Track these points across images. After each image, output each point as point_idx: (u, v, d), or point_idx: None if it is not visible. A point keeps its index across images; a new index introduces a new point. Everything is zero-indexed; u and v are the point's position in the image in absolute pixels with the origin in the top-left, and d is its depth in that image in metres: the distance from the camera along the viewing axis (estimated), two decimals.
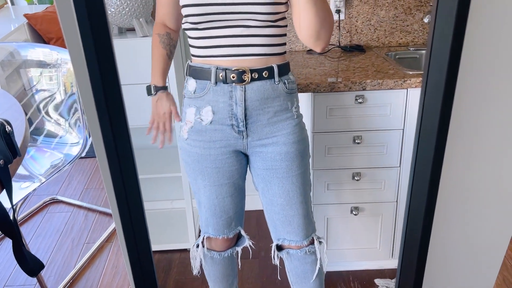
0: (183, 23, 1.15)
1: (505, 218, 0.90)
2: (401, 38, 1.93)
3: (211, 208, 1.26)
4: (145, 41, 1.65)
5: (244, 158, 1.24)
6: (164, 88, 1.27)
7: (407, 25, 1.91)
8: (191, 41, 1.14)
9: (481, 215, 0.90)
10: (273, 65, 1.12)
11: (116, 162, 0.76)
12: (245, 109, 1.13)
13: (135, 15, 1.67)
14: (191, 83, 1.16)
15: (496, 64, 0.76)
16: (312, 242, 1.30)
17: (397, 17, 1.89)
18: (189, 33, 1.14)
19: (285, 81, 1.15)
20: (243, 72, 1.10)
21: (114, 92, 0.71)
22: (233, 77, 1.10)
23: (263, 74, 1.12)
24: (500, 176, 0.86)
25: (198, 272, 1.39)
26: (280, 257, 1.33)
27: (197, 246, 1.36)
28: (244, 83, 1.11)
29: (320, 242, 1.30)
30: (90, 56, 0.68)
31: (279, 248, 1.33)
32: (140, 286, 0.97)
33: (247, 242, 1.36)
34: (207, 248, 1.36)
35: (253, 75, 1.10)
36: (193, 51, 1.15)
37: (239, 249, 1.40)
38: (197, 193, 1.27)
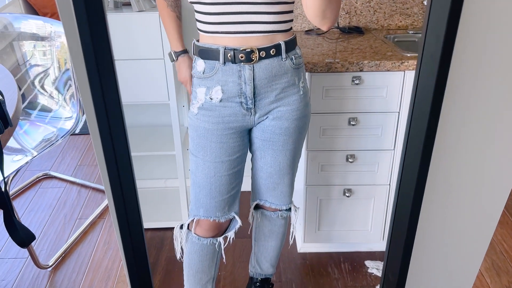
0: None
1: (492, 204, 0.91)
2: (401, 21, 1.92)
3: (206, 187, 1.24)
4: (141, 15, 1.63)
5: (247, 138, 1.25)
6: (184, 52, 1.29)
7: (407, 8, 1.89)
8: (198, 16, 1.14)
9: (468, 200, 0.91)
10: (280, 42, 1.12)
11: (109, 137, 0.76)
12: (254, 88, 1.14)
13: None
14: (200, 64, 1.16)
15: (491, 50, 0.76)
16: (288, 209, 1.39)
17: None
18: (196, 7, 1.12)
19: (292, 56, 1.16)
20: (251, 51, 1.10)
21: (107, 68, 0.70)
22: (242, 57, 1.10)
23: (271, 52, 1.12)
24: (487, 164, 0.86)
25: (181, 256, 1.34)
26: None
27: (181, 227, 1.32)
28: (252, 62, 1.11)
29: (296, 210, 1.41)
30: (83, 30, 0.67)
31: (256, 207, 1.42)
32: (131, 262, 0.97)
33: (238, 224, 1.31)
34: (193, 232, 1.30)
35: (261, 53, 1.11)
36: (199, 25, 1.15)
37: (231, 233, 1.32)
38: (194, 171, 1.25)
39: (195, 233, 1.30)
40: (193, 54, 1.19)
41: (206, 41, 1.14)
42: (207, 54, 1.14)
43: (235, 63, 1.11)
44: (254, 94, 1.15)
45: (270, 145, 1.24)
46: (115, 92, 0.76)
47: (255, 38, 1.10)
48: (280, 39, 1.13)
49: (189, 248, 1.33)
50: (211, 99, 1.16)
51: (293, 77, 1.18)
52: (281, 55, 1.13)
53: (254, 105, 1.16)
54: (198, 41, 1.17)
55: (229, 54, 1.10)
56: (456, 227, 0.94)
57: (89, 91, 0.75)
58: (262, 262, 1.52)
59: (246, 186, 1.38)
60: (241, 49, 1.10)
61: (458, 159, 0.86)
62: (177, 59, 1.29)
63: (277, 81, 1.15)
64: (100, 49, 0.73)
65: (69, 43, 0.72)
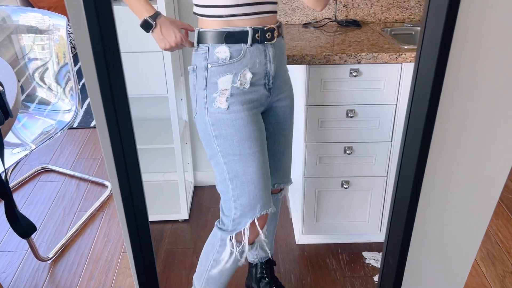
0: None
1: (488, 193, 0.92)
2: (398, 14, 1.93)
3: (261, 180, 1.14)
4: None
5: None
6: (159, 13, 1.14)
7: (404, 1, 1.90)
8: (217, 1, 1.08)
9: (466, 190, 0.92)
10: (280, 21, 1.19)
11: (116, 129, 0.78)
12: (276, 66, 1.17)
13: None
14: (222, 50, 1.09)
15: (491, 40, 0.77)
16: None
17: None
18: None
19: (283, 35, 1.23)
20: (274, 29, 1.14)
21: (114, 60, 0.71)
22: (269, 35, 1.12)
23: (279, 30, 1.17)
24: (484, 155, 0.88)
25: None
26: None
27: (231, 239, 1.21)
28: (273, 40, 1.14)
29: (290, 184, 1.43)
30: (92, 24, 0.69)
31: None
32: (137, 250, 0.98)
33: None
34: (239, 242, 1.20)
35: (276, 32, 1.15)
36: (219, 11, 1.09)
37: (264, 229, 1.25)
38: (242, 171, 1.12)
39: (241, 242, 1.21)
40: (209, 42, 1.11)
41: (229, 25, 1.09)
42: (233, 37, 1.09)
43: (261, 43, 1.12)
44: (275, 74, 1.18)
45: (282, 126, 1.29)
46: (122, 83, 0.77)
47: (268, 18, 1.14)
48: (277, 19, 1.19)
49: (227, 265, 1.25)
50: (240, 84, 1.11)
51: (285, 54, 1.24)
52: (282, 33, 1.19)
53: (273, 85, 1.19)
54: (202, 26, 1.12)
55: (256, 34, 1.11)
56: (454, 215, 0.96)
57: (97, 83, 0.77)
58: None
59: None
60: (265, 28, 1.12)
61: (456, 149, 0.87)
62: (155, 23, 1.13)
63: (283, 58, 1.21)
64: (108, 41, 0.74)
65: (76, 35, 0.73)
